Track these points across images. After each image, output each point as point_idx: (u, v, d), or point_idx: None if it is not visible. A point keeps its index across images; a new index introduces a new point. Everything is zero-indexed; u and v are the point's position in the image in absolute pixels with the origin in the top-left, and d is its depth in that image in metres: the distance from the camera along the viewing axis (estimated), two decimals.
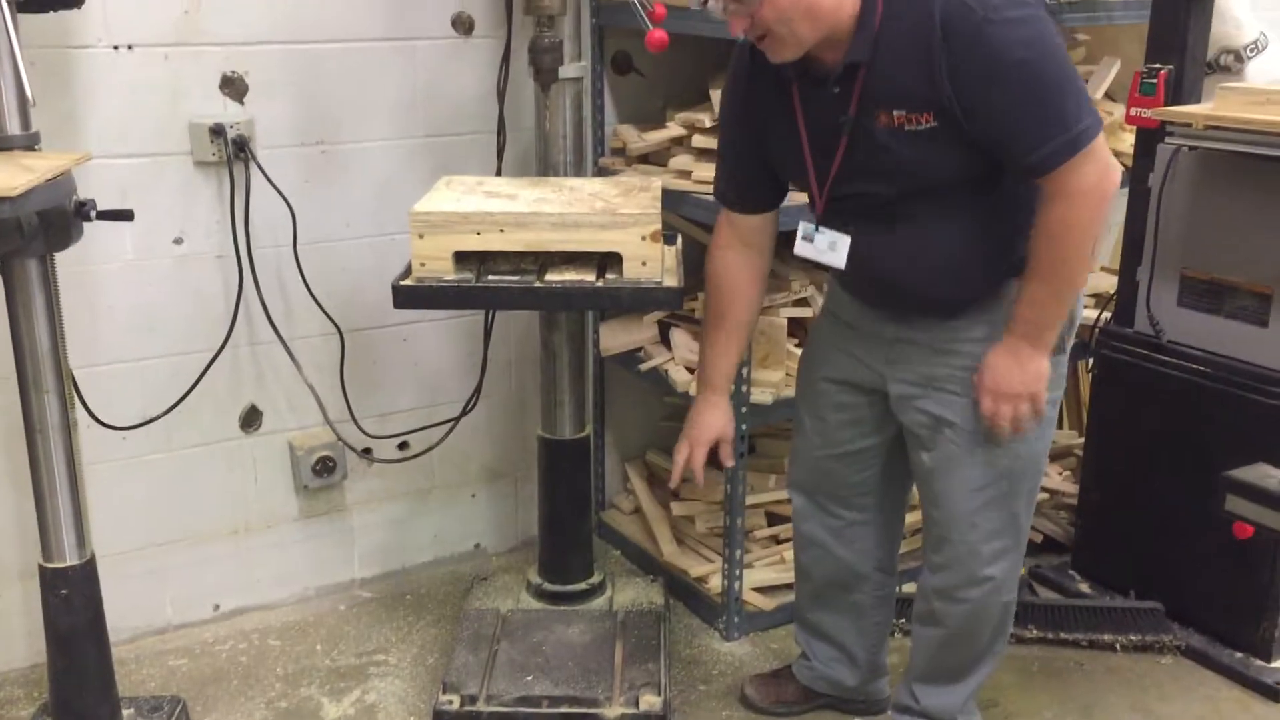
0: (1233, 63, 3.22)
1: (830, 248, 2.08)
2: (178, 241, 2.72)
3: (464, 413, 3.07)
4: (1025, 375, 2.03)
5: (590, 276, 2.25)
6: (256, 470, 2.95)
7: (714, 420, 2.32)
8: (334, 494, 3.05)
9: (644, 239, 2.21)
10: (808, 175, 2.06)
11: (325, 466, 2.96)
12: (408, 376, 3.06)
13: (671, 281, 2.26)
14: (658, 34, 2.18)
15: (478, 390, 3.06)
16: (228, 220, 2.73)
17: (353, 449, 2.99)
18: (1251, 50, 3.22)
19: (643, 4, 2.32)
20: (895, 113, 1.90)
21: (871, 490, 2.37)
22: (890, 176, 1.96)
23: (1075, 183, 1.88)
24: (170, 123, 2.64)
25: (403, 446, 3.09)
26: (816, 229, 2.10)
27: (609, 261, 2.27)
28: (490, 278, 2.25)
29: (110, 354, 2.70)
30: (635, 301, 2.28)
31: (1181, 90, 2.71)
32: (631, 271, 2.22)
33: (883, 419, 2.27)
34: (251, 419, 2.91)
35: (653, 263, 2.22)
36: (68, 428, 2.25)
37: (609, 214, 2.23)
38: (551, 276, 2.25)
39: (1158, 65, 2.71)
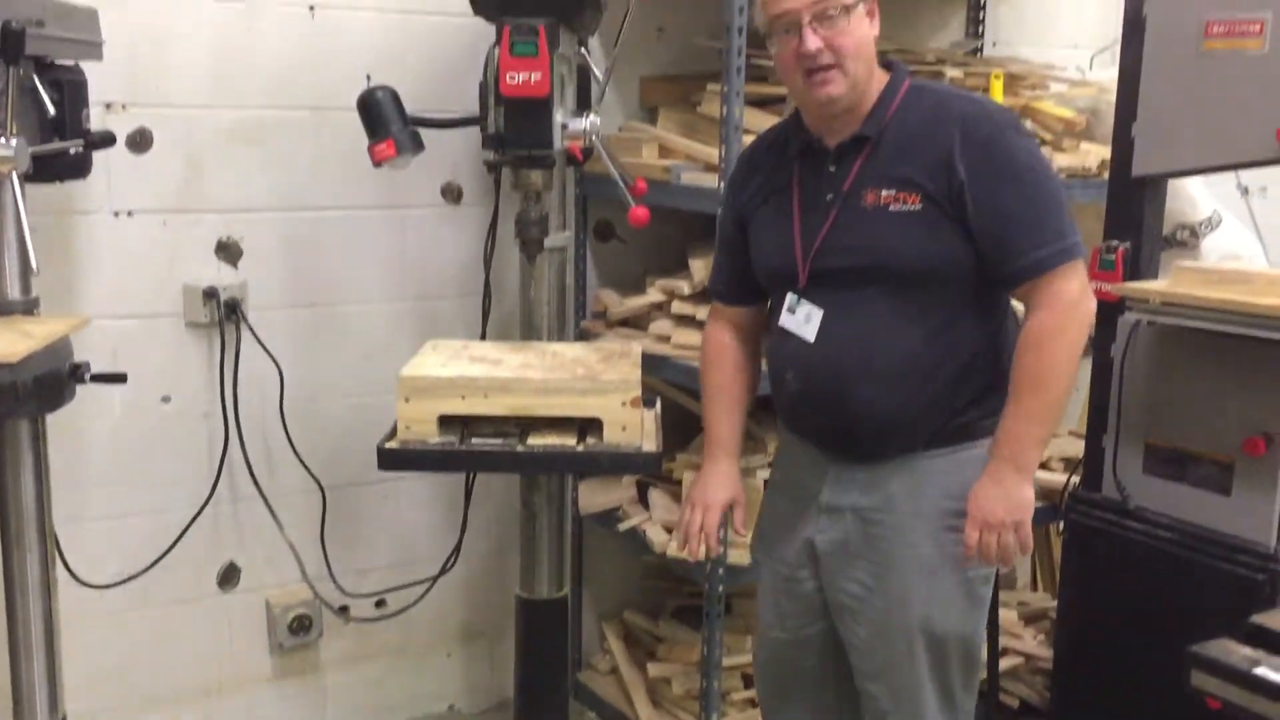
0: (1189, 238, 3.36)
1: (806, 320, 2.13)
2: (165, 400, 2.77)
3: (443, 571, 3.08)
4: (1010, 504, 2.02)
5: (571, 441, 2.30)
6: (232, 629, 2.95)
7: (725, 483, 2.31)
8: (309, 653, 3.04)
9: (624, 405, 2.28)
10: (794, 248, 2.13)
11: (301, 625, 2.96)
12: (386, 534, 3.09)
13: (650, 447, 2.31)
14: (640, 211, 2.29)
15: (457, 549, 3.09)
16: (215, 379, 2.80)
17: (330, 607, 2.99)
18: (1206, 227, 3.37)
19: (625, 180, 2.44)
20: (884, 192, 2.02)
21: (827, 684, 2.35)
22: (868, 254, 2.04)
23: (1063, 291, 1.98)
24: (165, 285, 2.73)
25: (379, 604, 3.10)
26: (799, 300, 2.15)
27: (589, 426, 2.33)
28: (474, 441, 2.30)
29: (93, 511, 2.72)
30: (615, 466, 2.34)
31: (1139, 266, 2.83)
32: (611, 436, 2.28)
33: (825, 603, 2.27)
34: (230, 576, 2.92)
35: (632, 428, 2.28)
36: (48, 587, 2.27)
37: (590, 380, 2.30)
38: (534, 440, 2.30)
39: (1115, 242, 2.83)
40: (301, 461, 2.88)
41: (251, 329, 2.77)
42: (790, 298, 2.17)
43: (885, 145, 2.04)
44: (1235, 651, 1.78)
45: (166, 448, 2.79)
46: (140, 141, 2.62)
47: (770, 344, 2.27)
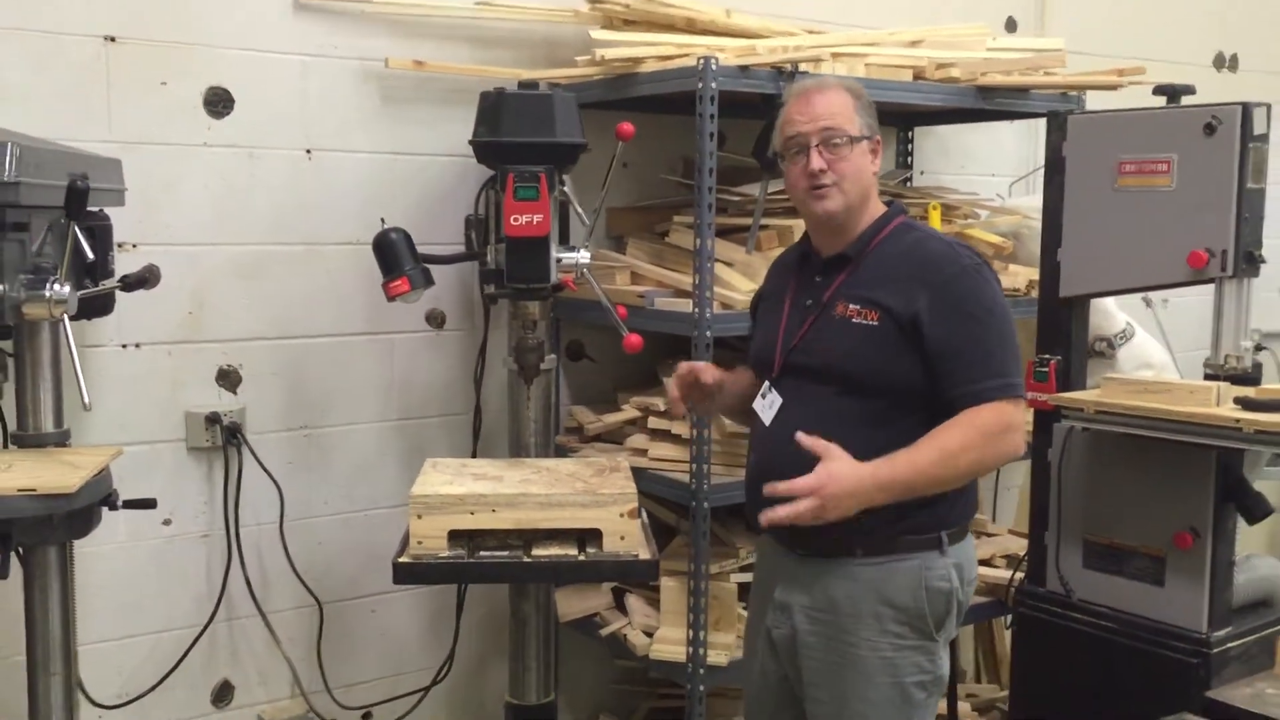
0: (1106, 349, 3.67)
1: (770, 406, 2.37)
2: (166, 523, 2.88)
3: (435, 681, 3.19)
4: (844, 490, 2.09)
5: (573, 550, 2.47)
6: None
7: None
8: None
9: (622, 515, 2.46)
10: (776, 343, 2.38)
11: None
12: (374, 647, 3.19)
13: (646, 554, 2.49)
14: (635, 337, 2.51)
15: (450, 658, 3.20)
16: (213, 501, 2.91)
17: (322, 718, 3.07)
18: (1121, 338, 3.69)
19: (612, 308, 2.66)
20: (851, 306, 2.27)
21: None
22: (826, 356, 2.28)
23: (992, 421, 2.17)
24: (168, 412, 2.86)
25: (366, 717, 3.19)
26: (769, 388, 2.39)
27: (588, 536, 2.50)
28: (482, 553, 2.46)
29: (95, 633, 2.80)
30: (616, 573, 2.51)
31: (1070, 377, 3.12)
32: (611, 545, 2.46)
33: (784, 702, 2.45)
34: (224, 694, 3.00)
35: (630, 537, 2.46)
36: (71, 710, 2.35)
37: (590, 494, 2.48)
38: (538, 551, 2.47)
39: (1048, 355, 3.11)
40: (300, 578, 2.99)
41: (253, 451, 2.90)
42: (765, 384, 2.41)
43: (864, 267, 2.31)
44: None
45: (167, 570, 2.89)
46: (148, 278, 2.76)
47: (750, 431, 2.49)
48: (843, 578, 2.30)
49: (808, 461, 2.18)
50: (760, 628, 2.47)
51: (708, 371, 2.47)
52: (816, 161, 2.27)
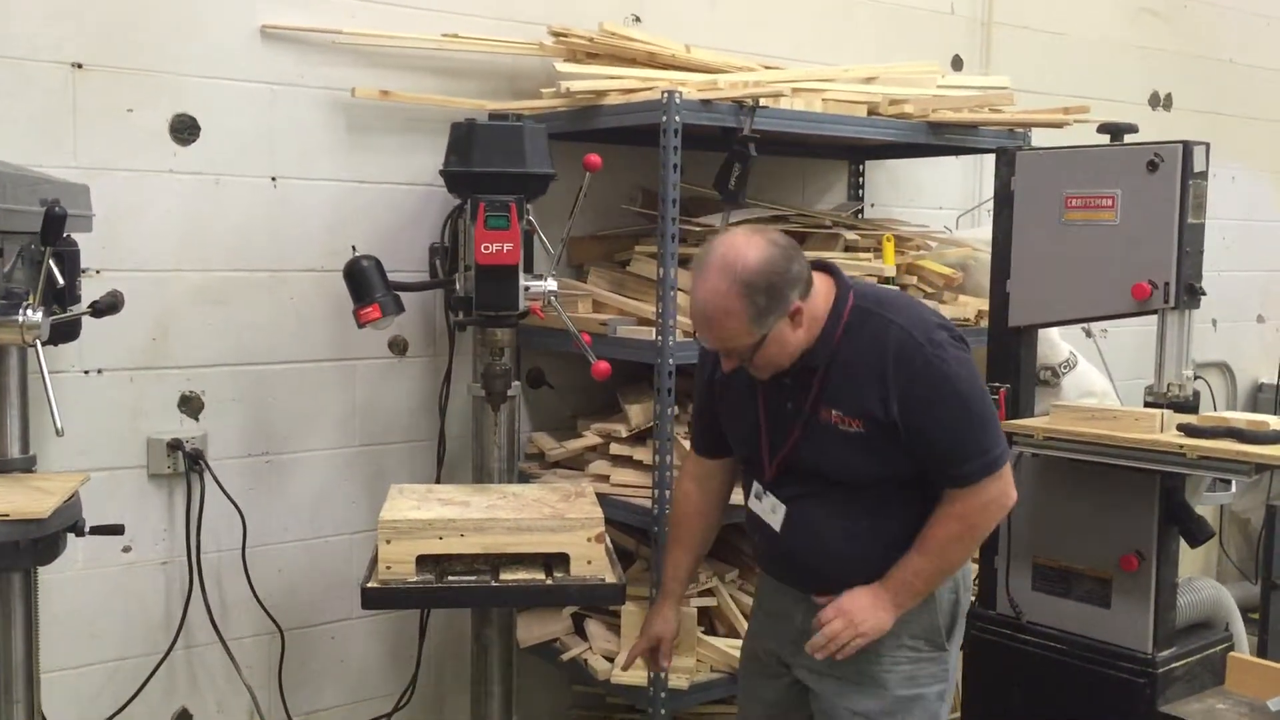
0: (1050, 377, 3.78)
1: (772, 510, 2.39)
2: (126, 550, 2.87)
3: (396, 708, 3.19)
4: (872, 620, 2.27)
5: (540, 575, 2.50)
6: None
7: (656, 623, 2.61)
8: None
9: (589, 540, 2.50)
10: (760, 449, 2.38)
11: None
12: (334, 674, 3.19)
13: (612, 578, 2.53)
14: (603, 365, 2.56)
15: (413, 683, 3.21)
16: (174, 528, 2.91)
17: None
18: (1065, 367, 3.80)
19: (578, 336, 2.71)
20: (834, 412, 2.26)
21: None
22: (823, 464, 2.30)
23: (983, 494, 2.25)
24: (130, 439, 2.85)
25: None
26: (765, 492, 2.41)
27: (554, 560, 2.53)
28: (450, 578, 2.48)
29: (52, 661, 2.76)
30: (584, 597, 2.54)
31: (1019, 405, 3.21)
32: (578, 570, 2.49)
33: (793, 705, 2.52)
34: None
35: (597, 561, 2.50)
36: None
37: (557, 519, 2.51)
38: (505, 575, 2.49)
39: (998, 384, 3.20)
40: (262, 605, 2.98)
41: (215, 478, 2.90)
42: (756, 486, 2.44)
43: (835, 369, 2.26)
44: None
45: (126, 597, 2.87)
46: (116, 303, 2.75)
47: (746, 518, 2.52)
48: None
49: (828, 551, 2.32)
50: (765, 654, 2.52)
51: (668, 644, 2.62)
52: (727, 365, 2.28)
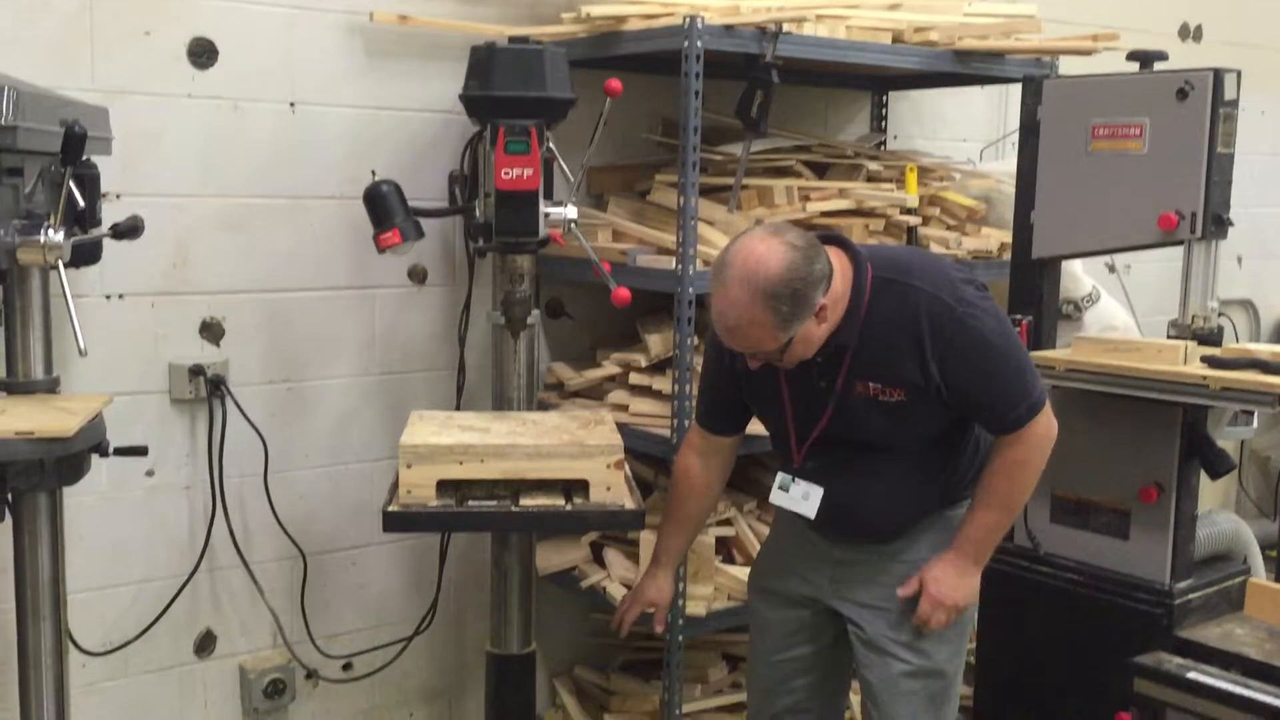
0: (1073, 311, 3.76)
1: (804, 498, 2.41)
2: (149, 474, 2.89)
3: (417, 632, 3.23)
4: (962, 590, 2.37)
5: (560, 501, 2.51)
6: (207, 695, 3.04)
7: (651, 589, 2.68)
8: (280, 716, 3.14)
9: (608, 467, 2.51)
10: (788, 435, 2.40)
11: (276, 689, 3.07)
12: (355, 599, 3.22)
13: (631, 504, 2.54)
14: (623, 291, 2.55)
15: (433, 608, 3.24)
16: (196, 453, 2.93)
17: (306, 668, 3.10)
18: (1087, 301, 3.78)
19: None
20: (872, 385, 2.27)
21: (810, 701, 2.61)
22: (863, 434, 2.32)
23: (1032, 433, 2.30)
24: (151, 364, 2.86)
25: (347, 668, 3.22)
26: (793, 480, 2.42)
27: (574, 487, 2.54)
28: (470, 503, 2.49)
29: (77, 583, 2.79)
30: (603, 523, 2.56)
31: (1040, 337, 3.19)
32: (597, 496, 2.50)
33: (819, 629, 2.55)
34: (206, 644, 3.03)
35: (616, 488, 2.51)
36: (60, 656, 2.36)
37: (577, 445, 2.52)
38: (525, 501, 2.50)
39: (1020, 316, 3.19)
40: (284, 529, 3.01)
41: (238, 404, 2.91)
42: (783, 478, 2.45)
43: (866, 344, 2.25)
44: (1169, 661, 2.08)
45: (150, 520, 2.90)
46: (137, 227, 2.75)
47: (775, 516, 2.58)
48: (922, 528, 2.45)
49: (876, 511, 2.38)
50: (789, 589, 2.56)
51: (663, 610, 2.70)
52: (754, 365, 2.28)
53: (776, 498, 2.46)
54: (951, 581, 2.36)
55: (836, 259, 2.25)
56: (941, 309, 2.22)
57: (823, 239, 2.26)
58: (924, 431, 2.34)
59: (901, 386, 2.26)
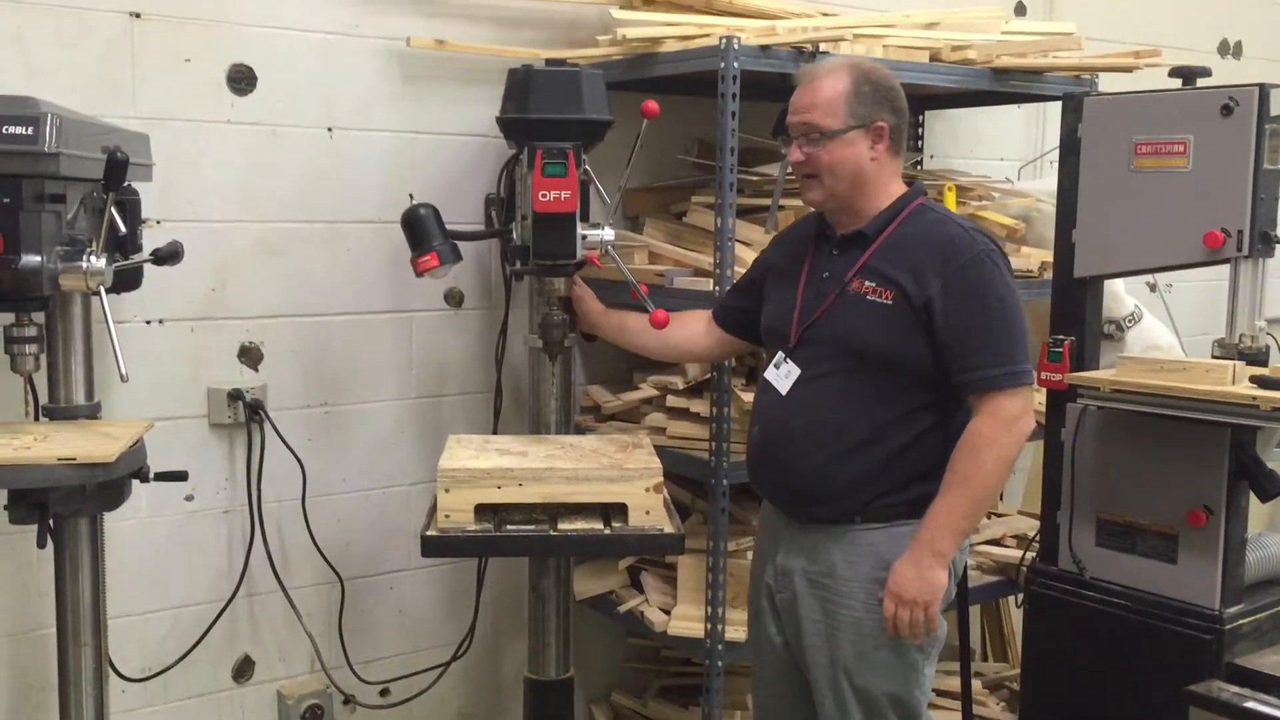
0: (1115, 331, 3.71)
1: (786, 376, 2.45)
2: (189, 499, 2.89)
3: (455, 658, 3.21)
4: (924, 585, 2.30)
5: (598, 525, 2.49)
6: None
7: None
8: None
9: (647, 490, 2.49)
10: (792, 319, 2.44)
11: (314, 715, 3.05)
12: (392, 624, 3.21)
13: (670, 528, 2.51)
14: (661, 314, 2.54)
15: (470, 633, 3.22)
16: (235, 477, 2.93)
17: (344, 693, 3.09)
18: (1129, 321, 3.73)
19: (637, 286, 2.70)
20: (867, 283, 2.33)
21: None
22: (839, 330, 2.36)
23: (1004, 409, 2.27)
24: (191, 389, 2.87)
25: (384, 693, 3.21)
26: (784, 359, 2.46)
27: (612, 510, 2.53)
28: (508, 527, 2.48)
29: (117, 608, 2.79)
30: (643, 546, 2.54)
31: (1083, 358, 3.15)
32: (636, 520, 2.48)
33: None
34: (244, 669, 3.02)
35: (655, 512, 2.49)
36: (100, 682, 2.37)
37: (616, 469, 2.50)
38: (564, 525, 2.49)
39: (1062, 336, 3.14)
40: (322, 554, 3.01)
41: (276, 428, 2.91)
42: (779, 354, 2.49)
43: (883, 246, 2.36)
44: (1225, 689, 2.04)
45: (189, 545, 2.91)
46: (177, 253, 2.77)
47: (754, 399, 2.58)
48: (844, 543, 2.41)
49: (816, 431, 2.36)
50: (761, 593, 2.59)
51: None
52: (795, 155, 2.38)
53: (769, 373, 2.49)
54: (907, 574, 2.31)
55: (901, 180, 2.45)
56: (966, 244, 2.32)
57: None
58: (895, 350, 2.32)
59: (893, 289, 2.30)
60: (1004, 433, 2.28)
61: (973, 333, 2.28)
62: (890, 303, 2.31)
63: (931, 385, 2.36)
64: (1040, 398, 3.33)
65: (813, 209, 2.54)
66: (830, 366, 2.39)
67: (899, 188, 2.43)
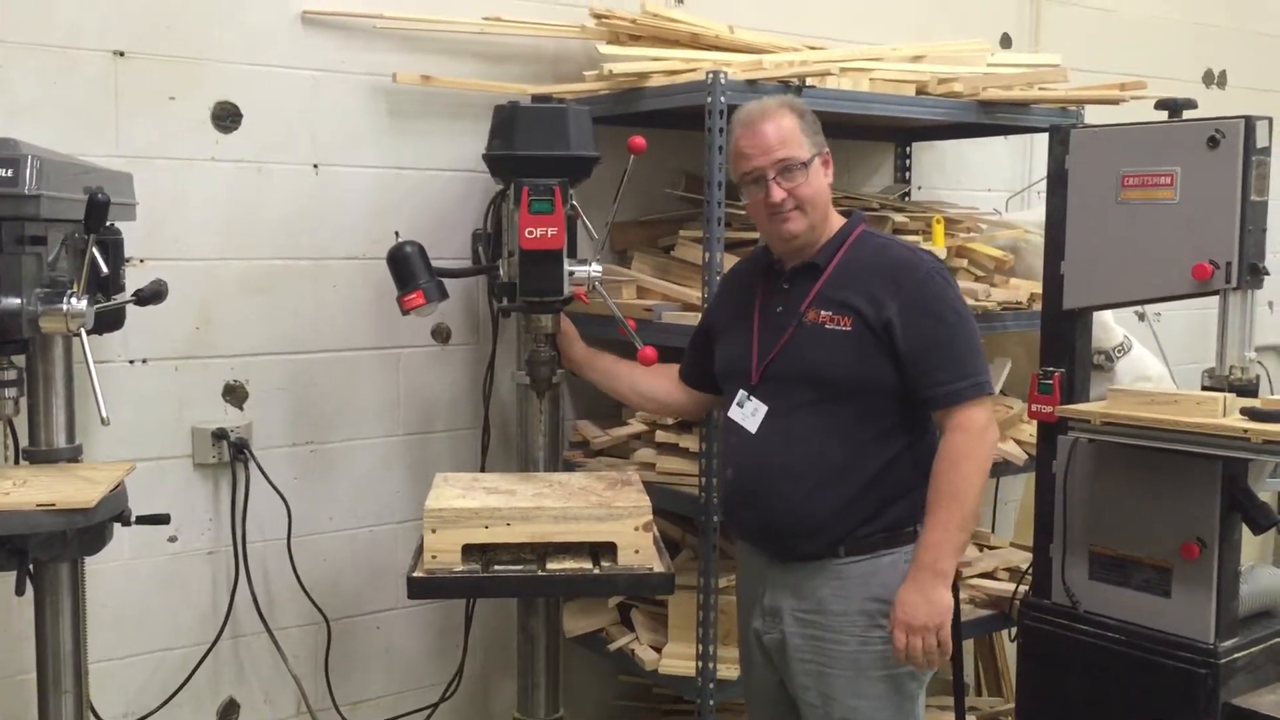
0: (1104, 361, 3.70)
1: (752, 414, 2.45)
2: (172, 540, 2.86)
3: (443, 698, 3.17)
4: (932, 609, 2.30)
5: (587, 564, 2.46)
6: None
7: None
8: None
9: (637, 529, 2.46)
10: (751, 356, 2.45)
11: None
12: (379, 664, 3.17)
13: (660, 567, 2.49)
14: (650, 350, 2.52)
15: (458, 675, 3.19)
16: (219, 518, 2.90)
17: None
18: (1119, 351, 3.72)
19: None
20: (824, 312, 2.36)
21: None
22: (804, 363, 2.37)
23: (972, 420, 2.33)
24: (175, 429, 2.84)
25: None
26: (748, 396, 2.46)
27: (601, 549, 2.50)
28: (495, 568, 2.45)
29: (99, 652, 2.75)
30: (632, 586, 2.51)
31: (1074, 389, 3.13)
32: (626, 559, 2.45)
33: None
34: (229, 712, 2.98)
35: (644, 550, 2.46)
36: None
37: (604, 507, 2.48)
38: (552, 565, 2.46)
39: (1052, 368, 3.13)
40: (308, 594, 2.97)
41: (261, 467, 2.88)
42: (741, 393, 2.49)
43: (834, 275, 2.40)
44: None
45: (172, 587, 2.87)
46: (160, 293, 2.74)
47: (720, 443, 2.60)
48: (830, 577, 2.41)
49: (794, 466, 2.36)
50: (750, 635, 2.57)
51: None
52: (777, 194, 2.38)
53: (733, 412, 2.49)
54: (912, 600, 2.31)
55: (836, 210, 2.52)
56: (916, 264, 2.39)
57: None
58: (861, 378, 2.35)
59: (850, 314, 2.34)
60: (978, 444, 2.34)
61: (935, 347, 2.34)
62: (849, 329, 2.35)
63: (898, 404, 2.40)
64: (1031, 429, 3.33)
65: (753, 248, 2.62)
66: (799, 399, 2.41)
67: (839, 218, 2.50)
